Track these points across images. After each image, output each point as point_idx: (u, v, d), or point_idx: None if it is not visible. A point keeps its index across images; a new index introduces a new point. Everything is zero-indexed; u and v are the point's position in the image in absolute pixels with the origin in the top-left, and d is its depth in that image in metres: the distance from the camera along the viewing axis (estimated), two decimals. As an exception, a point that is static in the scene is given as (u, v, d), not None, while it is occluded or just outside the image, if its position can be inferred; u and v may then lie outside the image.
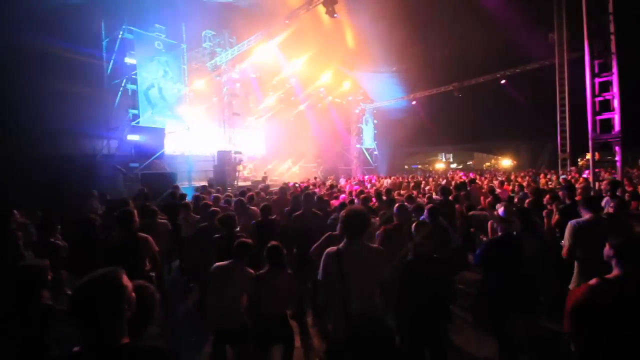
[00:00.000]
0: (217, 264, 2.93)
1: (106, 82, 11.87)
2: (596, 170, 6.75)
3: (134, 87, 11.67)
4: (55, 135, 9.45)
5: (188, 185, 12.05)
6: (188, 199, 6.75)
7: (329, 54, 16.16)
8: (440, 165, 39.10)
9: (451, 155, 47.20)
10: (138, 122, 11.49)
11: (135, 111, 11.59)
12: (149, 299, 1.47)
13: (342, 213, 2.41)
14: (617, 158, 6.04)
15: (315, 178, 15.30)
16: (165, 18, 12.63)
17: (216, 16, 13.39)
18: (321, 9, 9.88)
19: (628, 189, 6.16)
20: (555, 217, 4.33)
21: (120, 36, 11.55)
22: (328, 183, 11.51)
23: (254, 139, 19.36)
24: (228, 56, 13.33)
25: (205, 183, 12.39)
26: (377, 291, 2.27)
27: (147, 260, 3.43)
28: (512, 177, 11.92)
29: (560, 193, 4.95)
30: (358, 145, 22.16)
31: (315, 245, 3.36)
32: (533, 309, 3.21)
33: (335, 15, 9.74)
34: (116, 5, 11.45)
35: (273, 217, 4.51)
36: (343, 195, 6.98)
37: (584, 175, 10.40)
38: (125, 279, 1.22)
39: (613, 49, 5.83)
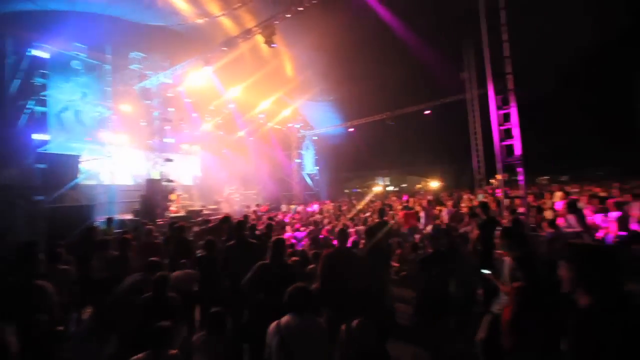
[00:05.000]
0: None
1: (9, 104, 10.25)
2: (505, 188, 7.76)
3: (43, 109, 10.27)
4: None
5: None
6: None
7: (268, 82, 16.26)
8: (378, 188, 41.34)
9: (388, 178, 50.36)
10: (46, 149, 10.02)
11: (43, 136, 10.13)
12: None
13: (288, 290, 2.32)
14: (520, 177, 7.00)
15: (257, 205, 14.87)
16: (86, 36, 11.58)
17: (146, 38, 12.63)
18: (259, 38, 10.02)
19: (533, 204, 7.16)
20: (475, 232, 4.87)
21: (29, 53, 10.22)
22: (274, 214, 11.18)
23: (189, 167, 18.25)
24: (160, 79, 12.62)
25: (130, 215, 11.18)
26: None
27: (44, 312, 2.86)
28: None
29: (477, 210, 5.61)
30: (300, 171, 22.34)
31: (247, 276, 3.21)
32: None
33: (273, 45, 9.93)
34: (27, 21, 10.19)
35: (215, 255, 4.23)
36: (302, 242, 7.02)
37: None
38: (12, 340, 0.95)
39: (511, 86, 6.96)
